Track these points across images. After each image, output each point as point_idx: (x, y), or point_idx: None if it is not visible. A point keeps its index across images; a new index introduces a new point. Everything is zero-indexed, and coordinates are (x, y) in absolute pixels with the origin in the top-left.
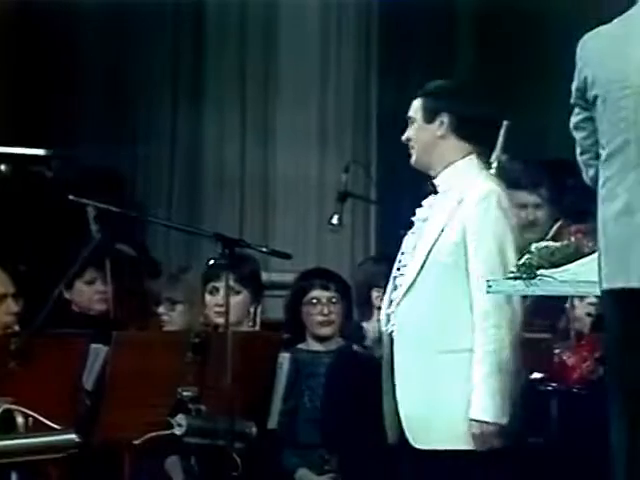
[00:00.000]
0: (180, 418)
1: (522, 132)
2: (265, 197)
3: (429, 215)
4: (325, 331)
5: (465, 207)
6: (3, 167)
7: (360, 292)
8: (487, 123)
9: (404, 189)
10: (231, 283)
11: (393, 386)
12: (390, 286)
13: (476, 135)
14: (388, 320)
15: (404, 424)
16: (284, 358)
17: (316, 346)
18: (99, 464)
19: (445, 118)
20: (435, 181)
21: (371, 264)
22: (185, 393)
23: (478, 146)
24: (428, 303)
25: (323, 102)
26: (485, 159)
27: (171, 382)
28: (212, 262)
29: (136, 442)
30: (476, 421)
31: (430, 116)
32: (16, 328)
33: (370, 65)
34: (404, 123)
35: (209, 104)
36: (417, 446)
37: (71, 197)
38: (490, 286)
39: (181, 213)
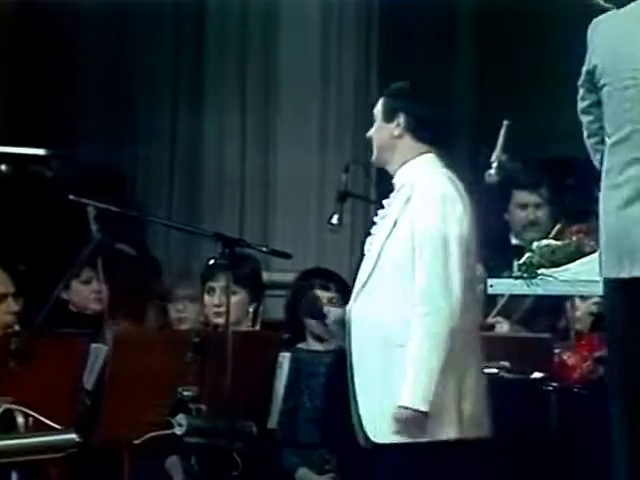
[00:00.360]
0: (180, 418)
1: (524, 132)
2: (265, 197)
3: (386, 214)
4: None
5: (413, 204)
6: (3, 167)
7: None
8: (442, 124)
9: None
10: (223, 284)
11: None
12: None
13: (431, 136)
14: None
15: (363, 419)
16: (284, 358)
17: (316, 346)
18: (99, 464)
19: (402, 118)
20: (394, 179)
21: None
22: (185, 393)
23: (434, 146)
24: (382, 298)
25: (323, 102)
26: (444, 158)
27: (171, 382)
28: (212, 262)
29: (136, 442)
30: (398, 406)
31: (389, 116)
32: (16, 328)
33: (370, 65)
34: None
35: (209, 104)
36: (377, 440)
37: (71, 197)
38: (491, 286)
39: (181, 213)
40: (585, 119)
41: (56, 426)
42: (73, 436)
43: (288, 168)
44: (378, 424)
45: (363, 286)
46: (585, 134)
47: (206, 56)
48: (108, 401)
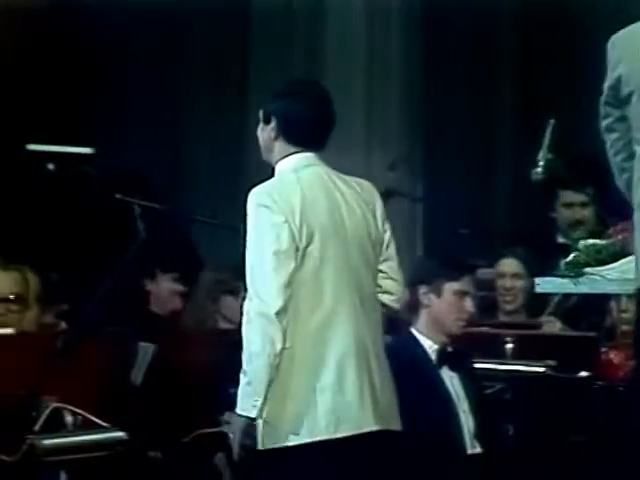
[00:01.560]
0: (228, 415)
1: (569, 130)
2: None
3: None
4: None
5: None
6: (50, 166)
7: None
8: (309, 125)
9: (449, 186)
10: None
11: None
12: None
13: (301, 137)
14: None
15: None
16: None
17: None
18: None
19: (274, 122)
20: None
21: (417, 261)
22: (232, 390)
23: (307, 146)
24: None
25: (369, 99)
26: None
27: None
28: None
29: (185, 439)
30: None
31: (265, 118)
32: (63, 326)
33: (416, 61)
34: (449, 121)
35: (253, 104)
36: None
37: (117, 195)
38: (538, 284)
39: (225, 212)
40: (610, 137)
41: (104, 424)
42: (121, 434)
43: (334, 166)
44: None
45: None
46: (611, 153)
47: (251, 57)
48: None
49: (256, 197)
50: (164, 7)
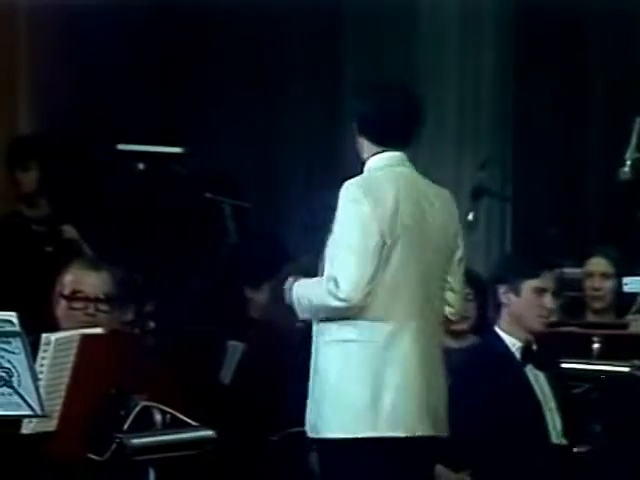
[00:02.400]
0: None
1: None
2: None
3: None
4: (460, 327)
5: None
6: (141, 165)
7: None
8: (384, 125)
9: (540, 186)
10: None
11: None
12: None
13: (377, 136)
14: None
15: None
16: None
17: (451, 343)
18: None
19: (355, 122)
20: None
21: (496, 261)
22: None
23: (385, 146)
24: None
25: (460, 99)
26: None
27: None
28: None
29: (274, 438)
30: None
31: (352, 117)
32: (151, 325)
33: (507, 62)
34: (540, 121)
35: (346, 103)
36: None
37: (208, 195)
38: (626, 284)
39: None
40: None
41: (193, 423)
42: (210, 433)
43: (425, 165)
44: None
45: None
46: None
47: (342, 55)
48: None
49: (348, 191)
50: (257, 6)
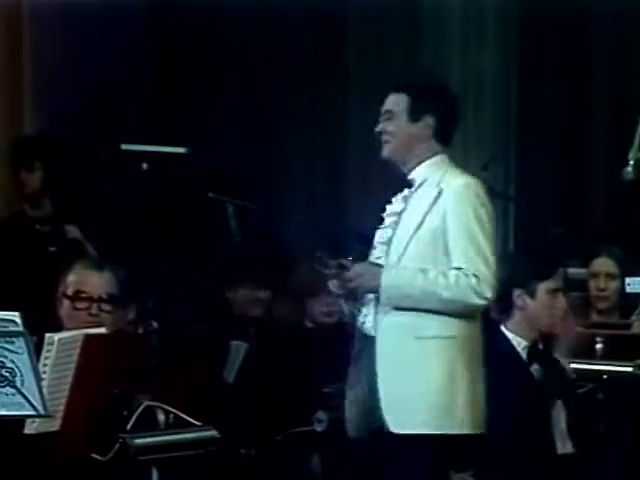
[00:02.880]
0: (320, 414)
1: None
2: None
3: (404, 208)
4: None
5: (445, 196)
6: (144, 165)
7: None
8: (456, 126)
9: (543, 186)
10: None
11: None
12: None
13: (449, 138)
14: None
15: (384, 409)
16: None
17: None
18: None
19: (430, 120)
20: (410, 176)
21: (509, 263)
22: (326, 389)
23: (447, 147)
24: None
25: (463, 100)
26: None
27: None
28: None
29: (278, 438)
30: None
31: (416, 116)
32: (155, 325)
33: (510, 63)
34: (544, 121)
35: (352, 104)
36: (395, 431)
37: (211, 194)
38: (629, 284)
39: (321, 212)
40: None
41: (197, 422)
42: (213, 432)
43: None
44: (399, 414)
45: None
46: None
47: (346, 55)
48: None
49: (478, 188)
50: (261, 6)
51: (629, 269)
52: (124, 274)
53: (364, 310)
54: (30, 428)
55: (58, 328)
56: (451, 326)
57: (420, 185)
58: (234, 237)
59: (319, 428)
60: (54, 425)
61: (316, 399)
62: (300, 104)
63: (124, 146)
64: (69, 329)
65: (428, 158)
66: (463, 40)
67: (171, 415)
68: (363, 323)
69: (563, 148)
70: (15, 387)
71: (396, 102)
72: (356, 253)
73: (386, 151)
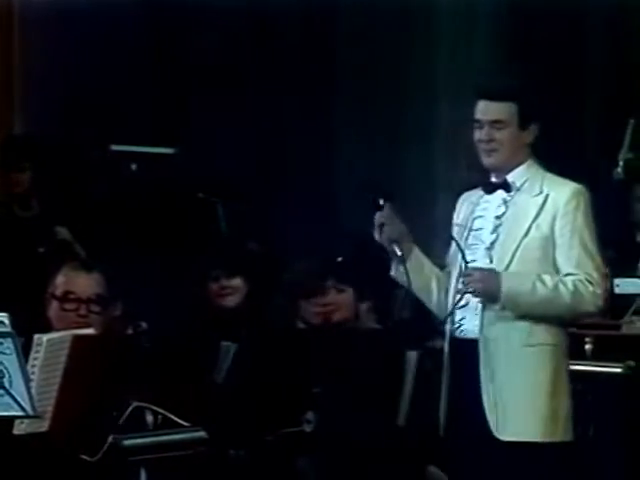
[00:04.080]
0: (309, 415)
1: None
2: (396, 195)
3: (505, 212)
4: None
5: (553, 203)
6: (133, 166)
7: None
8: None
9: None
10: (335, 282)
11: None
12: (459, 279)
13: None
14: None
15: (488, 414)
16: (411, 356)
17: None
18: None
19: (535, 127)
20: (509, 179)
21: None
22: (315, 390)
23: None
24: None
25: (454, 99)
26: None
27: None
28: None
29: (268, 438)
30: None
31: (525, 123)
32: (144, 326)
33: (501, 62)
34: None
35: (340, 103)
36: (501, 437)
37: (200, 195)
38: (617, 285)
39: (313, 211)
40: None
41: (185, 423)
42: (202, 433)
43: (416, 167)
44: (506, 421)
45: None
46: None
47: (335, 53)
48: None
49: (586, 194)
50: (250, 5)
51: (618, 270)
52: (113, 274)
53: (459, 313)
54: (19, 429)
55: (47, 329)
56: (556, 334)
57: (519, 189)
58: (224, 238)
59: (308, 429)
60: (43, 426)
61: (305, 400)
62: (290, 103)
63: (114, 147)
64: (58, 330)
65: (524, 160)
66: (453, 39)
67: (160, 416)
68: (458, 327)
69: (553, 146)
70: (3, 388)
71: (505, 111)
72: (347, 253)
73: (494, 160)
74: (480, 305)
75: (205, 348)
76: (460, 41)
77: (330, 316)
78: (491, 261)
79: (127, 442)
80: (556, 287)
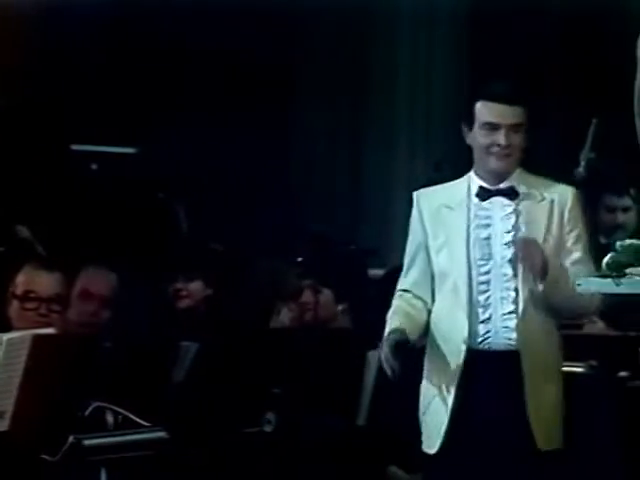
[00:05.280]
0: (269, 415)
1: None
2: (355, 196)
3: (516, 222)
4: None
5: (560, 206)
6: (94, 166)
7: None
8: None
9: None
10: (310, 282)
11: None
12: (472, 291)
13: None
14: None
15: (534, 426)
16: (372, 356)
17: None
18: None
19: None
20: (506, 184)
21: None
22: (275, 390)
23: None
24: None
25: (413, 100)
26: None
27: None
28: (300, 260)
29: (228, 439)
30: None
31: (528, 128)
32: (106, 325)
33: (461, 63)
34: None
35: (299, 103)
36: (544, 448)
37: (161, 195)
38: (579, 284)
39: (274, 212)
40: None
41: (145, 423)
42: (162, 434)
43: (379, 167)
44: (549, 431)
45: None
46: None
47: (296, 54)
48: None
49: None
50: (209, 4)
51: None
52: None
53: (482, 327)
54: None
55: (7, 328)
56: None
57: (525, 197)
58: (185, 239)
59: (268, 429)
60: (3, 425)
61: (266, 400)
62: (250, 103)
63: (74, 146)
64: (18, 329)
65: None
66: (412, 39)
67: (120, 416)
68: (483, 340)
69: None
70: None
71: (522, 114)
72: (308, 252)
73: (506, 165)
74: (509, 317)
75: (165, 348)
76: (420, 42)
77: (305, 316)
78: (515, 275)
79: (87, 442)
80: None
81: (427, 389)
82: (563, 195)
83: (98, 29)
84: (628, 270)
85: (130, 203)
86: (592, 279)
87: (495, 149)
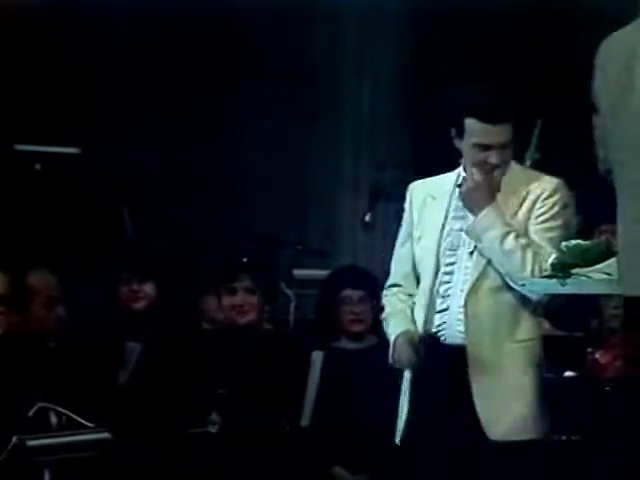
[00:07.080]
0: (214, 416)
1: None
2: (301, 196)
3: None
4: (357, 329)
5: (534, 197)
6: (37, 166)
7: None
8: None
9: None
10: (248, 283)
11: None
12: (436, 281)
13: None
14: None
15: (483, 418)
16: (317, 356)
17: (350, 344)
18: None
19: None
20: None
21: None
22: (220, 391)
23: None
24: (499, 294)
25: (358, 100)
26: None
27: None
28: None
29: (171, 439)
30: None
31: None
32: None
33: (409, 63)
34: (439, 124)
35: (244, 102)
36: (492, 437)
37: (105, 195)
38: (524, 285)
39: (219, 211)
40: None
41: (89, 424)
42: (106, 435)
43: (324, 167)
44: (500, 422)
45: (475, 283)
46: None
47: (240, 53)
48: None
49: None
50: (151, 6)
51: None
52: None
53: (437, 318)
54: None
55: None
56: (537, 327)
57: (505, 190)
58: (130, 239)
59: (212, 430)
60: None
61: (210, 401)
62: (195, 104)
63: (17, 146)
64: None
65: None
66: (358, 40)
67: (64, 416)
68: (437, 331)
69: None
70: None
71: (510, 131)
72: (253, 252)
73: (497, 175)
74: (462, 310)
75: (111, 349)
76: (365, 42)
77: (239, 317)
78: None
79: (31, 442)
80: (522, 248)
81: (404, 377)
82: (542, 186)
83: (39, 26)
84: (574, 271)
85: (74, 204)
86: (537, 280)
87: (487, 167)
